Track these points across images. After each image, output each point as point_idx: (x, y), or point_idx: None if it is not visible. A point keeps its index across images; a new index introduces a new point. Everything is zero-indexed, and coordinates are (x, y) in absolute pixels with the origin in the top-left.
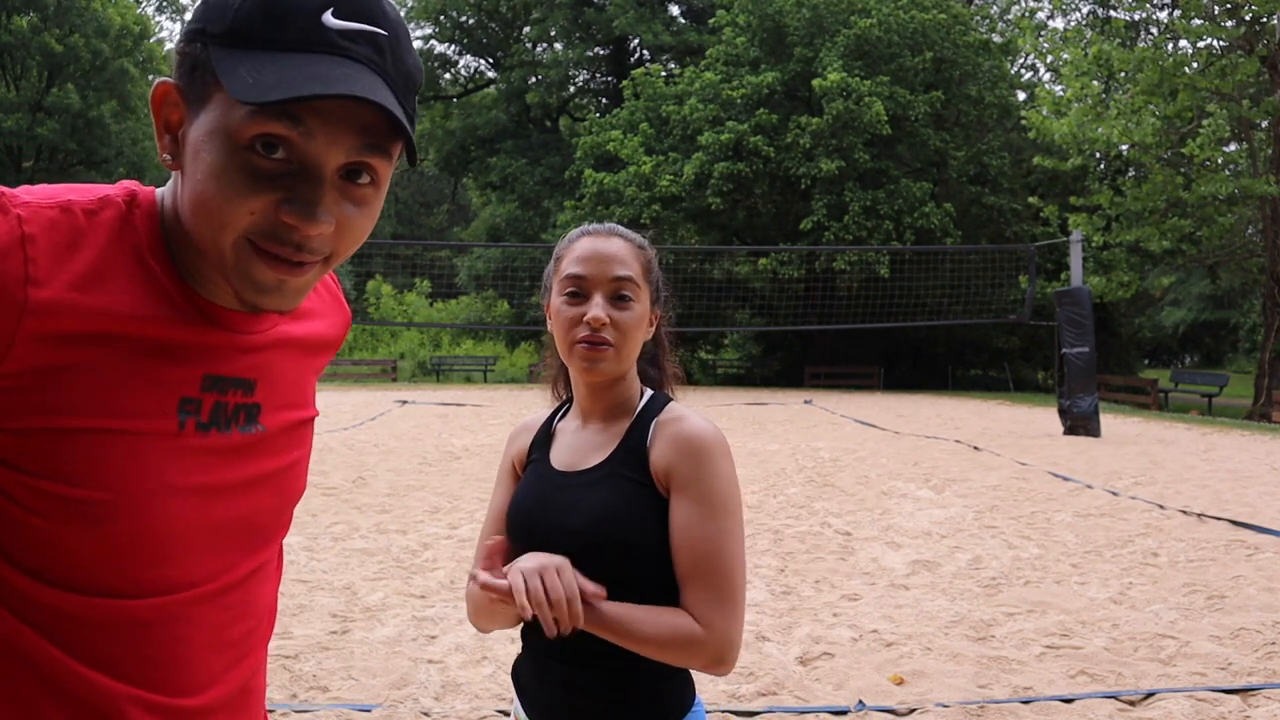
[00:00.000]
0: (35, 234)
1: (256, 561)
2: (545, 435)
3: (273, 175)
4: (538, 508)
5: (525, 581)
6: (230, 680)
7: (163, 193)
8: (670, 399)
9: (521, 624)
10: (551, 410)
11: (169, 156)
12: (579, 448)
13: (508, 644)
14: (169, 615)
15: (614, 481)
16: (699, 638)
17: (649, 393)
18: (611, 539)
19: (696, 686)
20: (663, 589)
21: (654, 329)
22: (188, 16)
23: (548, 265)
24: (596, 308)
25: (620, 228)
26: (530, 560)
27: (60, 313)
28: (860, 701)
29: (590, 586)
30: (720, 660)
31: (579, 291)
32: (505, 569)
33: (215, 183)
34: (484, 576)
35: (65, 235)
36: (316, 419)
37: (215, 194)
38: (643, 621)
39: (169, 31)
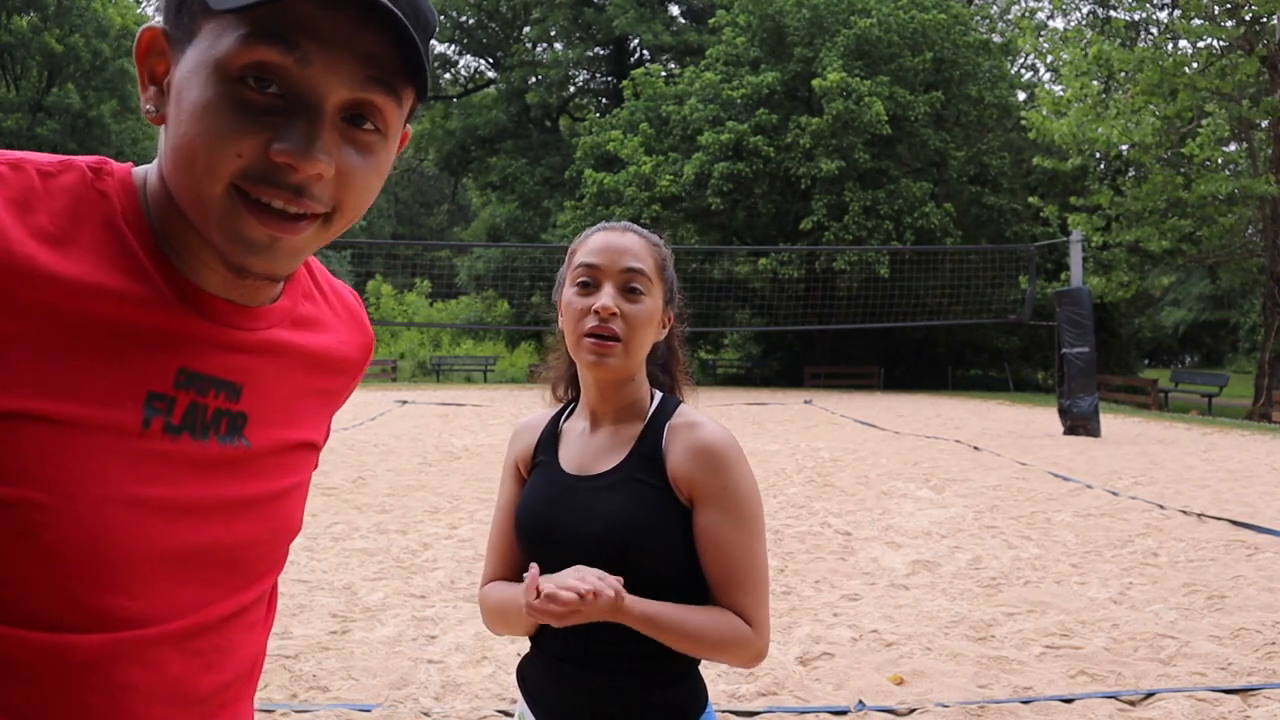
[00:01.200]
0: None
1: (237, 603)
2: (551, 435)
3: (264, 111)
4: (550, 511)
5: (572, 580)
6: None
7: (143, 168)
8: (680, 401)
9: (536, 627)
10: (556, 410)
11: (152, 108)
12: (590, 450)
13: (508, 644)
14: (118, 655)
15: (631, 486)
16: (749, 637)
17: (659, 395)
18: (630, 543)
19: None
20: (677, 591)
21: (667, 331)
22: None
23: (562, 265)
24: (605, 296)
25: (636, 225)
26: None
27: (20, 273)
28: (860, 701)
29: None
30: (760, 656)
31: (590, 281)
32: (540, 585)
33: (200, 122)
34: (537, 601)
35: (16, 193)
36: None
37: (200, 134)
38: (699, 622)
39: None
